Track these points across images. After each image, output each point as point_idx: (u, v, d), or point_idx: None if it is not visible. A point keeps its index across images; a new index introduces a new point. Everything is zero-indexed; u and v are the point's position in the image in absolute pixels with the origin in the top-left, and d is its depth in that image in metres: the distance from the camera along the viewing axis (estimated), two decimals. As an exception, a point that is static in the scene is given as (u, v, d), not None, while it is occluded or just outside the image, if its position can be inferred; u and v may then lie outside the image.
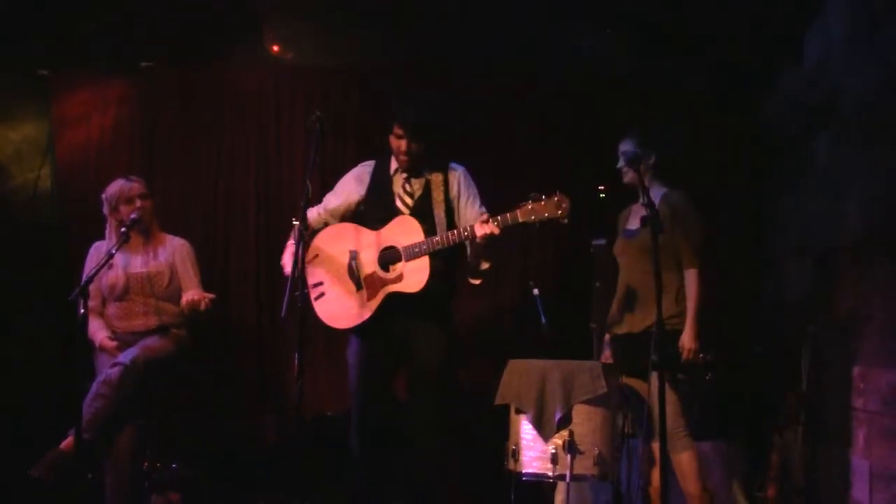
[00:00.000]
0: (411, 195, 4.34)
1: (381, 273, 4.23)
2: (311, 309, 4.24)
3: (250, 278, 5.91)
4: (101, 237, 5.02)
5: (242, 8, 5.68)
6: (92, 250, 4.99)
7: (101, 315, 4.94)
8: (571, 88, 5.95)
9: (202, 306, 4.74)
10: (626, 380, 4.54)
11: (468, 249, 4.22)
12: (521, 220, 3.99)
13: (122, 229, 4.65)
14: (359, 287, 4.25)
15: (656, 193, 4.52)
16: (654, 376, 4.03)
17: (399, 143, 4.28)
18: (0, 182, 5.85)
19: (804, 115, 5.27)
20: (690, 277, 4.43)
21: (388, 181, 4.40)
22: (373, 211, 4.38)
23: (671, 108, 5.78)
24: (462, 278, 4.37)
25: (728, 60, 5.74)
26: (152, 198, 4.99)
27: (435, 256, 4.15)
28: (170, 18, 5.66)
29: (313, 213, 4.52)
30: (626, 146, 4.57)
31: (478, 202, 4.35)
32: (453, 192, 4.32)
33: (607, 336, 4.73)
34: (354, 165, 4.60)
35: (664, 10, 5.47)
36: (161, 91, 6.02)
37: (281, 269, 4.42)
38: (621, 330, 4.59)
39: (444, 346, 4.29)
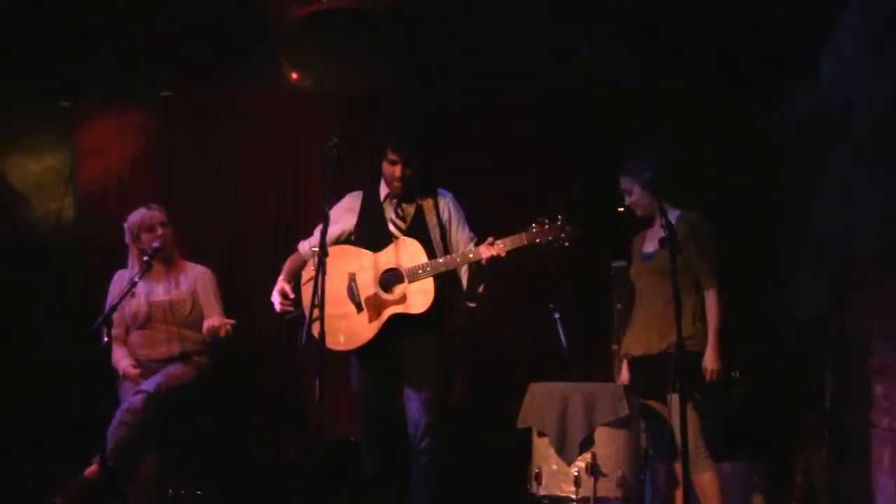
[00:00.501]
0: (403, 219, 4.38)
1: (382, 294, 4.24)
2: (310, 332, 4.20)
3: (269, 301, 5.91)
4: (123, 265, 5.06)
5: (260, 36, 5.72)
6: (115, 278, 5.03)
7: (125, 343, 4.97)
8: (587, 102, 5.97)
9: (222, 333, 4.77)
10: (643, 401, 4.54)
11: (467, 273, 4.28)
12: (525, 242, 4.04)
13: (145, 258, 4.69)
14: (359, 309, 4.26)
15: (672, 216, 4.52)
16: (674, 398, 4.02)
17: (393, 170, 4.31)
18: (23, 212, 5.90)
19: (817, 129, 5.26)
20: (710, 298, 4.42)
21: (379, 207, 4.44)
22: (365, 237, 4.39)
23: (680, 120, 5.76)
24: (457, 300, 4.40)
25: (740, 76, 5.74)
26: (172, 226, 5.03)
27: (437, 278, 4.18)
28: (188, 47, 5.71)
29: (305, 247, 4.56)
30: (636, 169, 4.57)
31: (467, 227, 4.40)
32: (444, 216, 4.36)
33: (624, 359, 4.73)
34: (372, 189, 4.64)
35: (670, 19, 5.46)
36: (180, 119, 6.09)
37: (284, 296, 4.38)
38: (638, 352, 4.58)
39: (440, 356, 4.31)
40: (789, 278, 5.70)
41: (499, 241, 4.09)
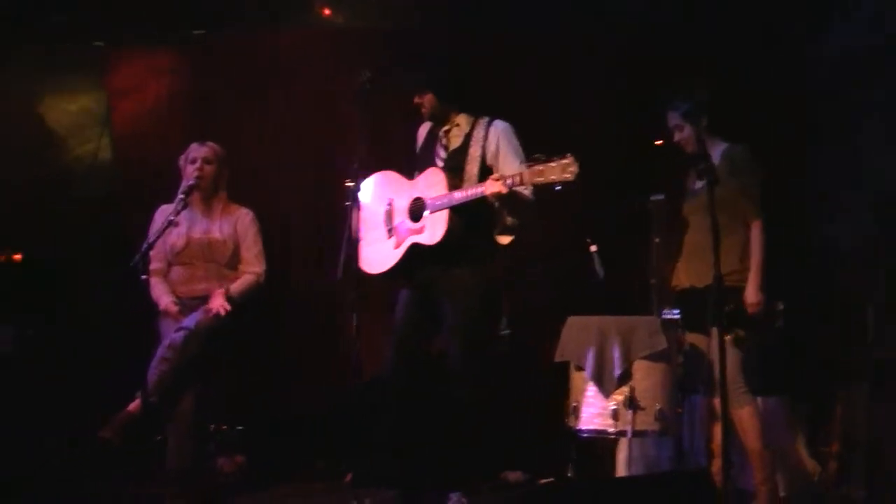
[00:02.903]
0: (446, 148, 4.35)
1: (408, 223, 4.26)
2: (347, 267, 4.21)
3: (309, 241, 5.96)
4: (158, 204, 5.08)
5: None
6: (158, 212, 5.03)
7: (166, 277, 5.01)
8: (620, 38, 5.87)
9: (222, 312, 4.80)
10: (688, 334, 4.52)
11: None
12: (527, 181, 3.90)
13: (180, 195, 4.70)
14: (390, 234, 4.31)
15: (716, 150, 4.47)
16: (713, 332, 3.99)
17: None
18: (60, 154, 5.93)
19: (860, 62, 5.14)
20: (755, 231, 4.37)
21: (434, 135, 4.44)
22: (419, 162, 4.43)
23: (716, 55, 5.65)
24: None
25: (776, 9, 5.62)
26: (222, 165, 5.04)
27: (456, 210, 4.11)
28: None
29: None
30: (671, 120, 4.52)
31: (518, 159, 4.22)
32: (491, 148, 4.26)
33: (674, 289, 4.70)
34: (405, 125, 4.62)
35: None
36: (213, 58, 6.08)
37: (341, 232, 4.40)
38: (685, 284, 4.55)
39: (474, 295, 4.22)
40: (832, 209, 5.61)
41: (502, 177, 3.97)
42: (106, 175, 6.00)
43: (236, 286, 4.97)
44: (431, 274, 4.24)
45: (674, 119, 4.54)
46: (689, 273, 4.53)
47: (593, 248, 5.13)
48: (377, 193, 4.36)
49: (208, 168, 4.98)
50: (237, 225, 5.06)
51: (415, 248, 4.21)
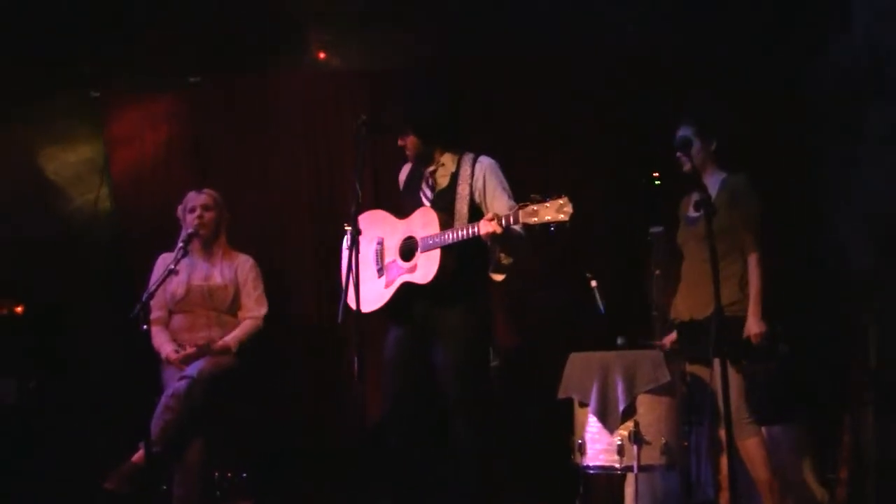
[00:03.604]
0: (433, 188, 4.33)
1: (399, 262, 4.25)
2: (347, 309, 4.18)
3: (308, 283, 5.97)
4: (159, 252, 5.10)
5: (286, 16, 5.71)
6: (159, 261, 5.07)
7: (167, 326, 5.02)
8: (615, 68, 5.88)
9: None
10: (689, 367, 4.51)
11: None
12: (521, 220, 3.86)
13: (180, 243, 4.72)
14: (380, 273, 4.30)
15: (716, 178, 4.49)
16: (716, 363, 3.98)
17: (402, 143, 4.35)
18: (61, 204, 5.95)
19: (856, 82, 5.16)
20: (752, 262, 4.38)
21: (419, 174, 4.41)
22: (405, 203, 4.42)
23: (716, 83, 5.68)
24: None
25: (774, 30, 5.64)
26: (221, 210, 5.06)
27: (448, 250, 4.09)
28: (214, 31, 5.72)
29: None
30: (681, 132, 4.52)
31: (506, 196, 4.20)
32: (478, 185, 4.24)
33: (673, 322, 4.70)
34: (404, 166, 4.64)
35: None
36: (210, 104, 6.10)
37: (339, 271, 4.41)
38: (685, 316, 4.55)
39: (467, 333, 4.18)
40: (833, 232, 5.60)
41: (496, 217, 3.94)
42: (106, 224, 6.00)
43: (236, 334, 4.97)
44: (423, 313, 4.22)
45: (685, 131, 4.52)
46: (688, 305, 4.53)
47: (594, 283, 5.13)
48: (367, 232, 4.33)
49: (208, 215, 5.01)
50: (238, 271, 5.09)
51: (406, 286, 4.20)
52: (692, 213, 4.62)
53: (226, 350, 4.90)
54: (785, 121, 5.75)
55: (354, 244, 3.89)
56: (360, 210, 4.06)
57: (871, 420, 4.86)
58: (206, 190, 5.09)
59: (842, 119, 5.40)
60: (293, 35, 5.87)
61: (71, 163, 5.99)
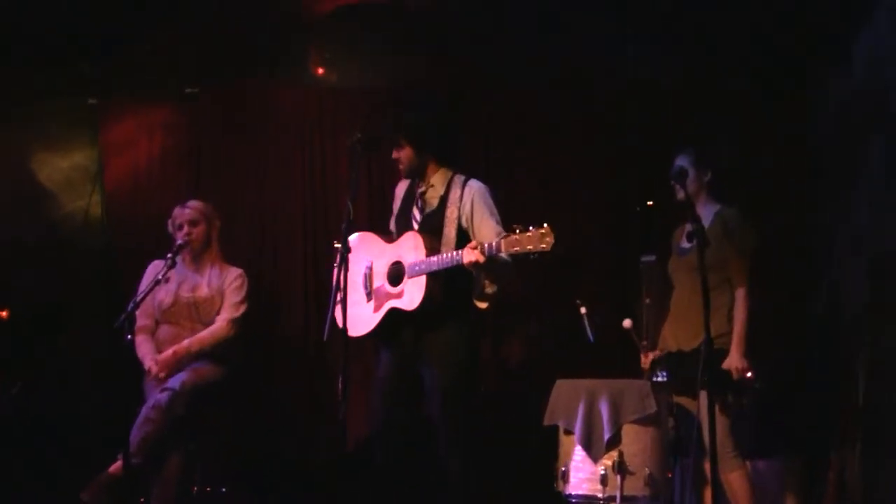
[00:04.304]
0: (422, 211, 4.31)
1: (387, 286, 4.22)
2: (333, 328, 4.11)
3: (298, 298, 5.94)
4: (149, 261, 5.07)
5: (286, 31, 5.72)
6: (150, 268, 5.03)
7: (153, 334, 4.98)
8: (618, 94, 5.90)
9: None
10: (676, 398, 4.48)
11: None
12: (503, 250, 3.85)
13: (168, 255, 4.68)
14: (369, 298, 4.27)
15: (709, 210, 4.47)
16: (702, 395, 3.96)
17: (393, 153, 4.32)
18: (51, 210, 5.92)
19: (856, 118, 5.16)
20: (739, 296, 4.36)
21: (412, 196, 4.39)
22: (398, 222, 4.42)
23: (718, 114, 5.68)
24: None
25: (774, 67, 5.65)
26: (210, 221, 5.03)
27: (434, 276, 4.08)
28: (213, 43, 5.71)
29: None
30: (678, 161, 4.51)
31: (493, 221, 4.19)
32: (466, 209, 4.22)
33: (658, 352, 4.67)
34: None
35: (709, 15, 5.39)
36: (206, 116, 6.09)
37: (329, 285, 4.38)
38: (673, 347, 4.53)
39: (455, 358, 4.16)
40: (827, 269, 5.59)
41: (479, 245, 3.91)
42: (97, 231, 5.97)
43: (201, 335, 4.92)
44: (411, 338, 4.19)
45: (682, 160, 4.50)
46: (676, 336, 4.51)
47: (583, 309, 5.11)
48: (357, 255, 4.31)
49: (196, 231, 4.98)
50: (224, 282, 5.05)
51: (393, 312, 4.17)
52: (684, 244, 4.61)
53: (183, 353, 4.82)
54: (783, 155, 5.76)
55: (343, 262, 3.87)
56: (351, 228, 4.04)
57: (858, 459, 4.83)
58: (189, 203, 5.04)
59: (840, 155, 5.41)
60: (292, 49, 5.87)
61: (63, 168, 5.97)
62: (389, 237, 4.35)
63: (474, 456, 4.18)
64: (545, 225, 3.76)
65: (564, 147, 5.94)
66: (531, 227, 3.79)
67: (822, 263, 5.67)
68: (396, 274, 4.20)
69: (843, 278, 5.38)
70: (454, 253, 4.01)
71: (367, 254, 4.33)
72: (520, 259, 3.87)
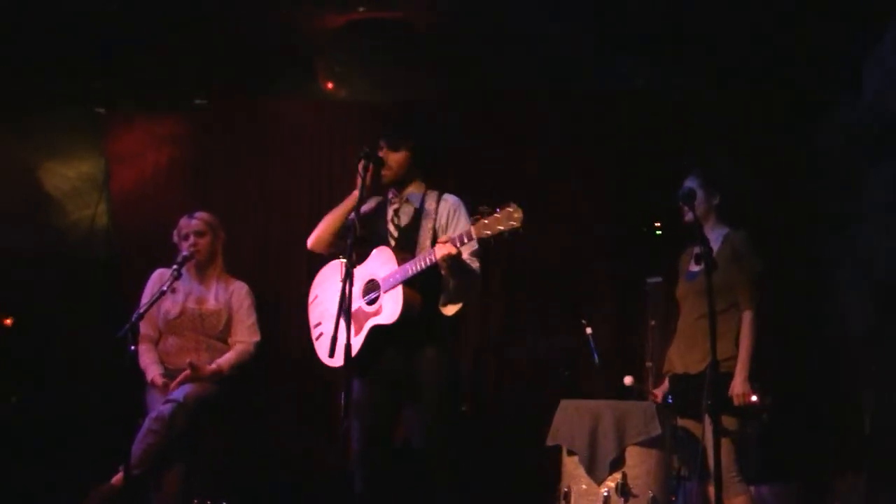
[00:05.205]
0: (398, 225, 4.24)
1: (364, 307, 4.13)
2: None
3: (300, 313, 5.87)
4: (153, 271, 5.06)
5: (295, 45, 5.72)
6: (154, 276, 5.00)
7: (156, 346, 4.96)
8: (627, 113, 5.90)
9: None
10: (681, 421, 4.45)
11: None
12: (475, 235, 3.77)
13: (174, 266, 4.66)
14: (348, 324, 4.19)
15: (718, 234, 4.45)
16: (707, 419, 3.93)
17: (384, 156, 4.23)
18: (57, 218, 5.92)
19: (861, 143, 5.16)
20: (745, 320, 4.33)
21: (384, 211, 4.31)
22: (372, 240, 4.24)
23: (724, 138, 5.68)
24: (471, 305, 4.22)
25: (783, 90, 5.65)
26: (215, 233, 5.02)
27: (410, 285, 4.00)
28: (223, 56, 5.72)
29: None
30: (687, 182, 4.50)
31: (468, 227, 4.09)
32: (441, 221, 4.17)
33: (666, 375, 4.65)
34: None
35: (715, 39, 5.40)
36: (214, 127, 6.10)
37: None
38: (680, 370, 4.51)
39: (440, 374, 4.08)
40: (832, 296, 5.58)
41: (450, 238, 3.85)
42: (103, 241, 5.98)
43: (230, 357, 4.91)
44: (395, 357, 4.09)
45: (690, 182, 4.48)
46: (682, 359, 4.48)
47: (588, 330, 5.10)
48: (329, 284, 4.25)
49: (202, 242, 4.96)
50: (233, 297, 5.03)
51: (376, 330, 4.08)
52: (693, 268, 4.58)
53: (217, 374, 4.82)
54: (790, 179, 5.75)
55: (349, 277, 3.82)
56: (357, 241, 3.99)
57: (863, 486, 4.81)
58: (196, 214, 5.02)
59: (846, 180, 5.40)
60: (299, 62, 5.87)
61: (70, 178, 5.99)
62: (363, 257, 4.21)
63: (458, 480, 4.10)
64: (511, 202, 3.70)
65: (566, 171, 5.95)
66: (497, 209, 3.72)
67: (827, 289, 5.66)
68: (372, 291, 4.13)
69: (849, 303, 5.37)
70: (426, 253, 3.94)
71: (339, 281, 4.12)
72: (493, 243, 3.77)
